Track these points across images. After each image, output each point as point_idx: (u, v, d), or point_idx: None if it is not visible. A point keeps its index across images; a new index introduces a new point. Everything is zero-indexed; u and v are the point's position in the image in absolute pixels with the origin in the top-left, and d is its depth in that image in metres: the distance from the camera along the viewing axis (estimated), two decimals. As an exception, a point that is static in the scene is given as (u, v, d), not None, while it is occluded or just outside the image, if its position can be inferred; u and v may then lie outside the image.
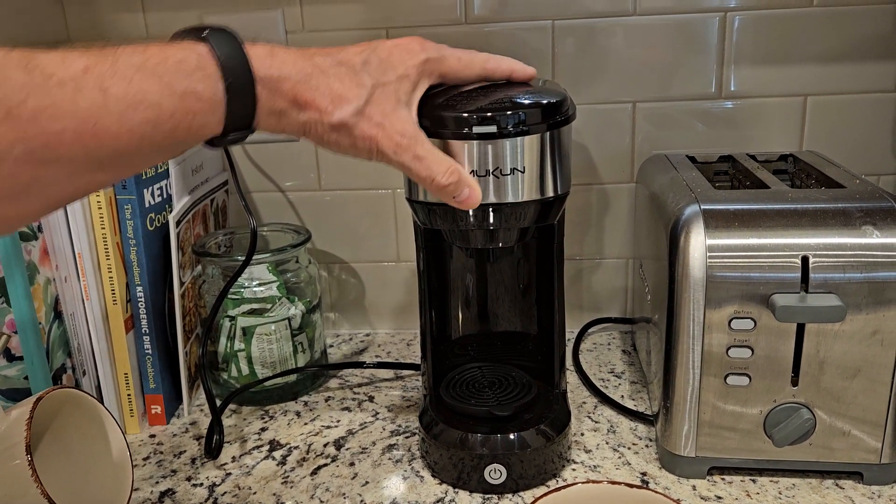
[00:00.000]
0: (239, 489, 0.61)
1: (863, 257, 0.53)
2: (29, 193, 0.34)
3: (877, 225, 0.53)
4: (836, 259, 0.53)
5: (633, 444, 0.65)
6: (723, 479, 0.59)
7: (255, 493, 0.60)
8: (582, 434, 0.66)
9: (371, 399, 0.74)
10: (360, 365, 0.78)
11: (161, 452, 0.67)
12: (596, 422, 0.68)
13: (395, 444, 0.66)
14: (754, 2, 0.75)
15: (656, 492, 0.39)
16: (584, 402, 0.72)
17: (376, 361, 0.79)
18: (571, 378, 0.76)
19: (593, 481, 0.41)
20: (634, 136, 0.80)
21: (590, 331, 0.87)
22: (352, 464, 0.64)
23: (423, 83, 0.49)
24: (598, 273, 0.86)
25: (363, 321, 0.91)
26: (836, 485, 0.58)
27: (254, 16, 0.80)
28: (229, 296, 0.72)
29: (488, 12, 0.77)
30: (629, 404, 0.70)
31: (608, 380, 0.76)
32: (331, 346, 0.87)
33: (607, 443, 0.65)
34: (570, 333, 0.85)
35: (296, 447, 0.67)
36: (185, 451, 0.67)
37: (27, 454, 0.45)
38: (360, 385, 0.78)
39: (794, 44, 0.76)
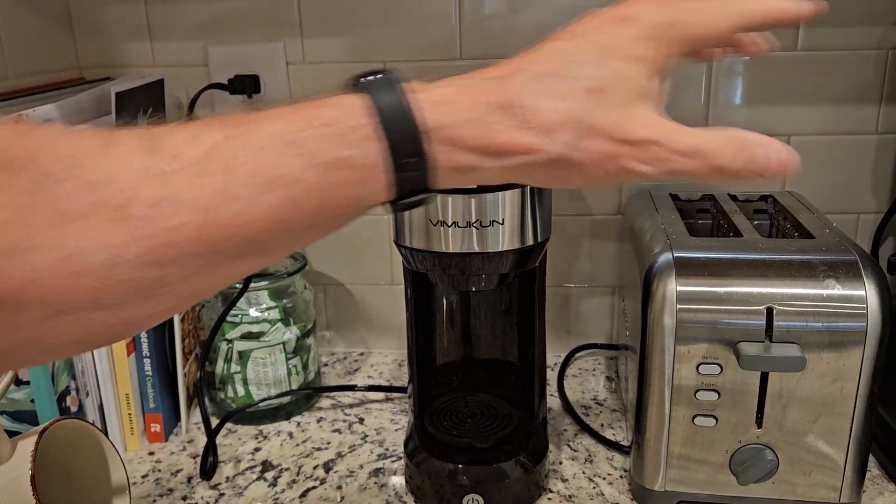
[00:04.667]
0: (231, 510, 0.64)
1: (824, 308, 0.55)
2: (153, 296, 0.30)
3: (838, 278, 0.56)
4: (799, 309, 0.55)
5: (609, 474, 0.67)
6: (691, 512, 0.62)
7: (246, 514, 0.64)
8: (560, 463, 0.69)
9: (361, 421, 0.78)
10: (352, 388, 0.81)
11: (159, 470, 0.70)
12: (575, 451, 0.71)
13: (381, 469, 0.69)
14: (739, 45, 0.77)
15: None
16: (566, 430, 0.75)
17: (367, 385, 0.82)
18: (555, 404, 0.79)
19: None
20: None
21: (577, 356, 0.89)
22: (339, 487, 0.67)
23: (666, 58, 0.35)
24: (587, 300, 0.88)
25: (358, 340, 0.94)
26: (798, 521, 0.60)
27: (256, 47, 0.83)
28: (227, 320, 0.75)
29: (484, 49, 0.80)
30: (608, 433, 0.73)
31: (590, 407, 0.79)
32: (325, 364, 0.90)
33: (584, 472, 0.68)
34: (558, 358, 0.88)
35: (287, 469, 0.70)
36: (181, 470, 0.70)
37: (31, 486, 0.48)
38: (351, 406, 0.81)
39: (778, 85, 0.78)
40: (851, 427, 0.57)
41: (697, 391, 0.58)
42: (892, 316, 0.55)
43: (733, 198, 0.75)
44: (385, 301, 0.91)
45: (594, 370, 0.86)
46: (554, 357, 0.88)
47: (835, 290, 0.55)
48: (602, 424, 0.75)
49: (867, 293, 0.55)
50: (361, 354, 0.93)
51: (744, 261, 0.58)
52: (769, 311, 0.56)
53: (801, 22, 0.38)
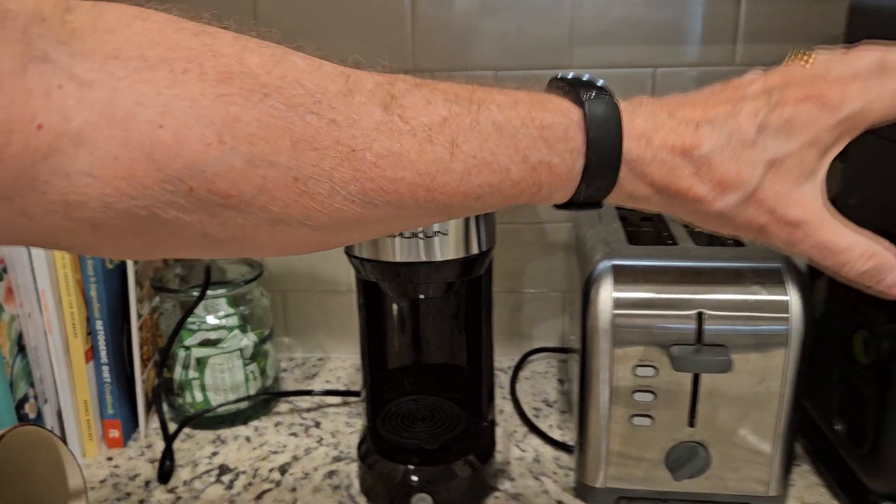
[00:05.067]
0: (187, 513, 0.66)
1: (750, 313, 0.59)
2: (351, 228, 0.34)
3: (763, 284, 0.59)
4: (727, 314, 0.59)
5: (554, 472, 0.70)
6: (630, 508, 0.65)
7: (202, 516, 0.65)
8: (509, 463, 0.72)
9: (318, 425, 0.80)
10: (309, 393, 0.83)
11: (117, 475, 0.72)
12: (523, 451, 0.74)
13: (335, 471, 0.71)
14: (677, 60, 0.81)
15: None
16: (515, 431, 0.77)
17: (324, 390, 0.84)
18: (507, 406, 0.82)
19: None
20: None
21: (531, 359, 0.92)
22: (294, 489, 0.69)
23: (839, 144, 0.38)
24: (540, 305, 0.91)
25: (317, 346, 0.96)
26: (730, 514, 0.64)
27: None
28: (186, 327, 0.77)
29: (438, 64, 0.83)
30: (556, 434, 0.76)
31: (540, 409, 0.82)
32: (284, 369, 0.92)
33: (531, 471, 0.71)
34: (511, 361, 0.91)
35: (243, 472, 0.72)
36: (139, 475, 0.72)
37: (-13, 491, 0.49)
38: (308, 410, 0.83)
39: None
40: (777, 424, 0.61)
41: (634, 392, 0.61)
42: (813, 319, 0.59)
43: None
44: (343, 307, 0.93)
45: (546, 373, 0.89)
46: (508, 360, 0.91)
47: (760, 295, 0.59)
48: (551, 425, 0.78)
49: (790, 298, 0.58)
50: (320, 359, 0.95)
51: (677, 268, 0.61)
52: (699, 315, 0.59)
53: None
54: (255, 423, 0.80)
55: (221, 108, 0.29)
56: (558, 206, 0.38)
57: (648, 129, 0.36)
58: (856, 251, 0.38)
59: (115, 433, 0.76)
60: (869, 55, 0.38)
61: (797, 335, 0.58)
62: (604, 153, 0.35)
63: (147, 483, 0.70)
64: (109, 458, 0.74)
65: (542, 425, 0.78)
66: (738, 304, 0.59)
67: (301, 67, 0.32)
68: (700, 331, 0.59)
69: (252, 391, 0.80)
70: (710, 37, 0.79)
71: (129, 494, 0.69)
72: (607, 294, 0.60)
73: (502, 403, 0.83)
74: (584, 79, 0.37)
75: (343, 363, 0.94)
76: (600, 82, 0.37)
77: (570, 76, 0.38)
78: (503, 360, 0.92)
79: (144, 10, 0.30)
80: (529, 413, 0.80)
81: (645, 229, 0.71)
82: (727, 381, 0.60)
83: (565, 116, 0.35)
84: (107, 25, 0.29)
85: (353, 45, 0.83)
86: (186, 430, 0.79)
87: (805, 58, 0.38)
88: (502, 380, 0.88)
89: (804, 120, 0.36)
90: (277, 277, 0.92)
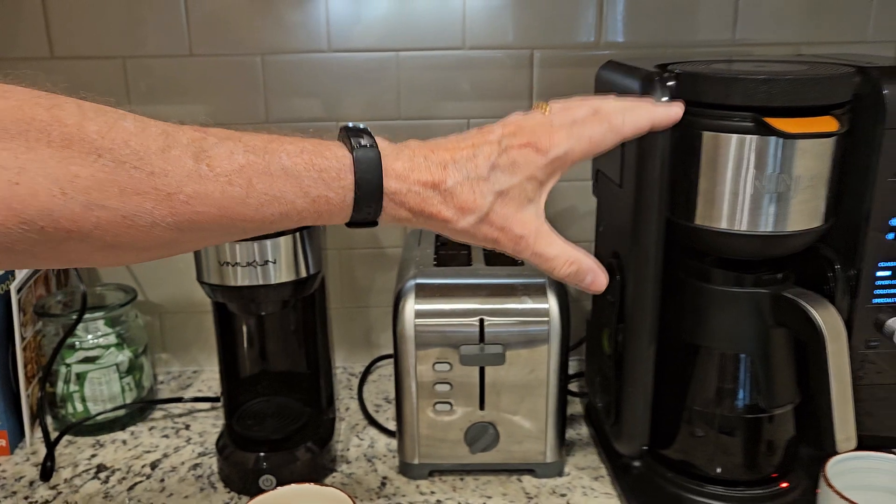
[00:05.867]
0: (66, 503, 0.77)
1: (520, 318, 0.75)
2: (170, 247, 0.43)
3: (531, 295, 0.76)
4: (502, 318, 0.75)
5: (384, 456, 0.85)
6: (440, 479, 0.80)
7: (79, 506, 0.77)
8: (348, 450, 0.86)
9: (188, 427, 0.92)
10: (179, 400, 0.96)
11: (4, 478, 0.82)
12: (361, 440, 0.89)
13: (199, 464, 0.84)
14: (493, 113, 0.97)
15: (337, 488, 0.60)
16: (357, 424, 0.92)
17: (192, 397, 0.96)
18: (353, 405, 0.97)
19: (297, 482, 0.60)
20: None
21: (379, 364, 1.07)
22: (162, 480, 0.81)
23: (553, 178, 0.51)
24: (385, 317, 1.06)
25: (191, 360, 1.08)
26: (517, 479, 0.80)
27: (233, 108, 0.96)
28: (66, 346, 0.88)
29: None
30: (391, 425, 0.91)
31: (381, 405, 0.96)
32: (162, 382, 1.04)
33: (365, 455, 0.85)
34: (361, 366, 1.06)
35: (118, 469, 0.83)
36: (24, 477, 0.82)
37: None
38: (180, 415, 0.95)
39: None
40: (547, 405, 0.77)
41: (435, 384, 0.77)
42: (569, 321, 0.76)
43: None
44: (211, 325, 1.05)
45: (390, 376, 1.04)
46: (360, 366, 1.06)
47: (528, 304, 0.75)
48: (388, 419, 0.93)
49: (550, 306, 0.75)
50: (195, 372, 1.07)
51: (465, 284, 0.77)
52: (481, 321, 0.75)
53: (673, 123, 0.53)
54: (131, 428, 0.92)
55: (64, 168, 0.38)
56: (346, 224, 0.48)
57: (406, 169, 0.47)
58: (562, 259, 0.51)
59: (2, 442, 0.86)
60: (586, 105, 0.51)
61: (556, 334, 0.75)
62: (368, 189, 0.45)
63: (31, 483, 0.81)
64: (-3, 464, 0.85)
65: (381, 419, 0.93)
66: (511, 311, 0.75)
67: (130, 130, 0.40)
68: (482, 333, 0.75)
69: (128, 401, 0.92)
70: (513, 94, 0.97)
71: (14, 493, 0.79)
72: (411, 307, 0.76)
73: (349, 402, 0.97)
74: (360, 128, 0.48)
75: (214, 375, 1.06)
76: (369, 134, 0.47)
77: (350, 126, 0.49)
78: (355, 365, 1.06)
79: (8, 89, 0.39)
80: (371, 409, 0.95)
81: (452, 252, 0.87)
82: (505, 372, 0.76)
83: (339, 161, 0.45)
84: None
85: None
86: (69, 437, 0.90)
87: (543, 108, 0.52)
88: (353, 382, 1.02)
89: (523, 161, 0.49)
90: (155, 302, 1.04)
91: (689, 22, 0.95)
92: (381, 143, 0.47)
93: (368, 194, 0.46)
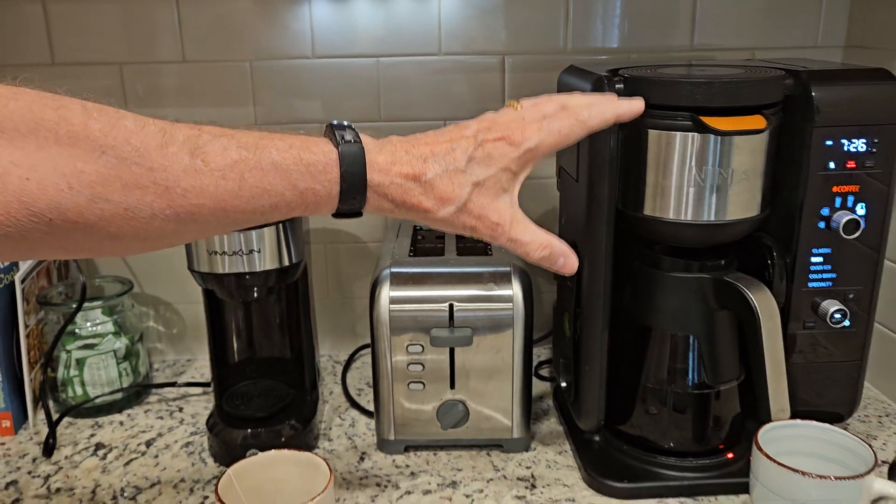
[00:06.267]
0: (67, 477, 0.83)
1: (487, 303, 0.81)
2: (170, 238, 0.46)
3: (497, 282, 0.82)
4: (471, 304, 0.81)
5: (364, 434, 0.91)
6: (414, 453, 0.86)
7: (79, 479, 0.83)
8: (331, 429, 0.92)
9: (181, 410, 0.98)
10: (173, 384, 1.02)
11: (9, 455, 0.88)
12: (343, 420, 0.95)
13: (191, 442, 0.90)
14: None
15: (315, 454, 0.66)
16: (340, 406, 0.98)
17: (185, 382, 1.02)
18: (336, 389, 1.03)
19: (276, 449, 0.67)
20: (388, 206, 1.08)
21: (361, 352, 1.13)
22: (156, 456, 0.87)
23: (526, 169, 0.54)
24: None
25: (185, 349, 1.14)
26: (487, 453, 0.86)
27: (224, 111, 1.02)
28: (67, 333, 0.94)
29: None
30: (371, 407, 0.97)
31: (363, 389, 1.03)
32: (157, 369, 1.10)
33: (346, 434, 0.91)
34: (346, 354, 1.12)
35: (116, 447, 0.89)
36: (28, 454, 0.88)
37: None
38: (174, 399, 1.01)
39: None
40: (512, 384, 0.83)
41: (409, 365, 0.83)
42: (532, 306, 0.82)
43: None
44: (203, 316, 1.11)
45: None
46: (344, 354, 1.12)
47: (494, 290, 0.82)
48: (368, 401, 0.99)
49: (514, 292, 0.81)
50: (189, 360, 1.13)
51: (437, 273, 0.83)
52: (451, 306, 0.81)
53: (636, 116, 0.58)
54: (128, 411, 0.98)
55: (71, 164, 0.41)
56: (333, 215, 0.52)
57: (388, 162, 0.50)
58: (536, 243, 0.55)
59: (6, 423, 0.92)
60: (555, 101, 0.56)
61: (520, 318, 0.81)
62: (353, 181, 0.49)
63: (34, 459, 0.87)
64: (2, 443, 0.91)
65: (362, 402, 0.99)
66: (478, 297, 0.81)
67: (130, 129, 0.43)
68: (451, 317, 0.81)
69: (125, 385, 0.98)
70: (486, 96, 1.03)
71: (18, 468, 0.85)
72: (386, 293, 0.82)
73: (334, 387, 1.03)
74: (345, 124, 0.51)
75: (206, 363, 1.10)
76: (353, 130, 0.51)
77: (335, 123, 0.52)
78: (340, 353, 1.12)
79: (18, 91, 0.41)
80: (353, 393, 1.01)
81: (428, 245, 0.93)
82: (473, 353, 0.82)
83: (326, 156, 0.48)
84: None
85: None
86: (69, 418, 0.96)
87: (515, 105, 0.56)
88: (338, 369, 1.08)
89: (498, 154, 0.52)
90: (151, 295, 1.10)
91: (651, 29, 1.01)
92: (365, 139, 0.51)
93: (353, 186, 0.49)
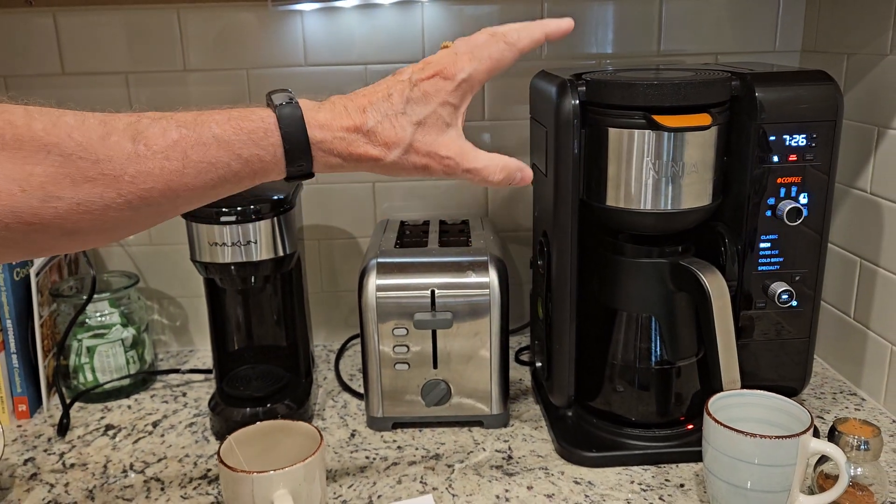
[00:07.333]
0: (80, 454, 0.90)
1: (466, 290, 0.88)
2: (129, 226, 0.46)
3: (475, 270, 0.89)
4: (451, 291, 0.88)
5: (355, 413, 0.98)
6: (401, 430, 0.93)
7: (92, 455, 0.90)
8: (324, 409, 0.99)
9: (185, 395, 1.05)
10: (177, 371, 1.09)
11: (26, 436, 0.95)
12: (336, 402, 1.02)
13: (195, 423, 0.97)
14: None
15: (308, 423, 0.73)
16: (333, 390, 1.05)
17: (188, 369, 1.10)
18: (330, 374, 1.10)
19: (272, 419, 0.74)
20: (376, 207, 1.15)
21: (354, 341, 1.20)
22: (162, 435, 0.94)
23: (465, 101, 0.55)
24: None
25: (188, 341, 1.21)
26: (468, 430, 0.93)
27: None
28: (78, 324, 1.01)
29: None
30: (362, 389, 1.04)
31: (354, 375, 1.10)
32: (161, 359, 1.17)
33: (338, 414, 0.98)
34: (339, 343, 1.19)
35: (125, 427, 0.96)
36: (43, 434, 0.95)
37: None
38: (178, 385, 1.08)
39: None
40: (490, 365, 0.90)
41: (395, 347, 0.90)
42: (508, 293, 0.89)
43: (443, 222, 1.08)
44: (205, 309, 1.18)
45: (365, 351, 1.17)
46: (338, 343, 1.19)
47: (472, 278, 0.89)
48: (359, 385, 1.06)
49: (490, 279, 0.88)
50: (191, 351, 1.20)
51: (420, 262, 0.90)
52: (432, 292, 0.88)
53: (566, 33, 0.58)
54: (135, 396, 1.05)
55: (20, 167, 0.42)
56: (285, 179, 0.52)
57: (328, 119, 0.50)
58: (491, 167, 0.55)
59: (23, 407, 0.99)
60: (485, 32, 0.56)
61: (496, 303, 0.88)
62: (295, 142, 0.49)
63: (49, 439, 0.94)
64: (19, 426, 0.98)
65: (354, 385, 1.06)
66: (458, 284, 0.88)
67: (71, 124, 0.44)
68: (433, 302, 0.88)
69: (132, 372, 1.05)
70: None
71: (35, 447, 0.92)
72: (373, 282, 0.89)
73: (327, 373, 1.10)
74: (280, 91, 0.51)
75: (208, 353, 1.18)
76: (291, 93, 0.51)
77: (272, 90, 0.52)
78: (334, 343, 1.20)
79: None
80: (346, 378, 1.08)
81: (415, 239, 1.00)
82: (453, 336, 0.89)
83: (264, 122, 0.48)
84: None
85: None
86: (80, 403, 1.03)
87: (448, 45, 0.57)
88: (332, 358, 1.15)
89: (433, 90, 0.53)
90: (156, 289, 1.17)
91: (622, 36, 1.09)
92: (303, 101, 0.51)
93: (296, 146, 0.49)
